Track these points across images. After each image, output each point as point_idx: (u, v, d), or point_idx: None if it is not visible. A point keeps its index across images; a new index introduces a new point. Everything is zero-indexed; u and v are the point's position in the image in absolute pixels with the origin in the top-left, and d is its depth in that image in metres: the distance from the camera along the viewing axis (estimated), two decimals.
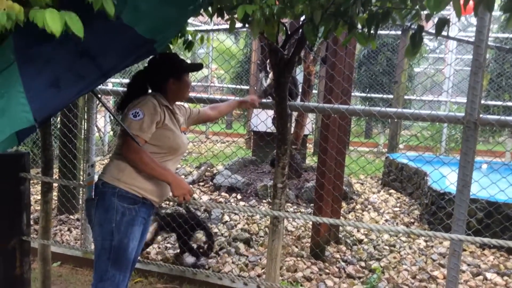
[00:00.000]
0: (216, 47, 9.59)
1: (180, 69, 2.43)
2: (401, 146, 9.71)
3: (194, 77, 11.62)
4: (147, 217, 2.38)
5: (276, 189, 2.62)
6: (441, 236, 2.28)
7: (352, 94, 11.27)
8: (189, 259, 3.85)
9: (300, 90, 5.57)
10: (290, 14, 1.99)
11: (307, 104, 3.16)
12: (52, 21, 1.45)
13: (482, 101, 9.87)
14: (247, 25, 2.15)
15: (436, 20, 1.87)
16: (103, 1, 1.54)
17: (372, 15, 1.90)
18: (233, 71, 12.47)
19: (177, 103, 2.62)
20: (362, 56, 11.26)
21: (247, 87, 11.59)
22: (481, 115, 2.71)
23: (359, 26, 2.05)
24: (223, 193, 5.89)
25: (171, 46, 2.92)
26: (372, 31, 1.96)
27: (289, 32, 2.50)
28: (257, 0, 2.02)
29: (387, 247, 4.45)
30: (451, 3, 1.67)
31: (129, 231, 2.25)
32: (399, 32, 9.08)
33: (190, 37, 2.93)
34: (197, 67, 2.56)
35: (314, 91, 8.89)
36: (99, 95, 4.01)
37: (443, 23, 1.77)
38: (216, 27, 6.26)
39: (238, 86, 12.44)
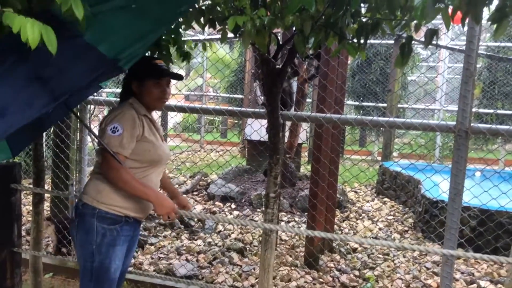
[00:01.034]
0: (209, 57, 9.62)
1: (142, 72, 2.24)
2: (395, 154, 9.74)
3: (187, 87, 11.64)
4: (132, 233, 2.31)
5: (269, 199, 2.62)
6: (432, 251, 2.28)
7: (346, 102, 11.36)
8: (182, 269, 3.82)
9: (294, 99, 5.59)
10: (281, 25, 2.00)
11: (300, 114, 3.17)
12: (32, 30, 1.37)
13: (475, 109, 9.97)
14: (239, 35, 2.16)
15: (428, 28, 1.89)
16: (72, 2, 1.43)
17: (362, 26, 1.92)
18: (228, 81, 12.49)
19: None
20: (356, 65, 11.32)
21: (241, 96, 11.62)
22: (472, 124, 2.73)
23: (350, 36, 2.07)
24: (217, 203, 5.88)
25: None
26: (362, 42, 1.97)
27: (280, 42, 2.52)
28: (248, 11, 2.03)
29: (381, 256, 4.44)
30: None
31: (110, 251, 2.20)
32: (392, 42, 9.15)
33: (186, 48, 2.88)
34: (164, 74, 2.27)
35: (309, 100, 8.92)
36: (92, 106, 4.01)
37: (432, 33, 1.78)
38: (209, 37, 6.28)
39: (232, 96, 12.46)
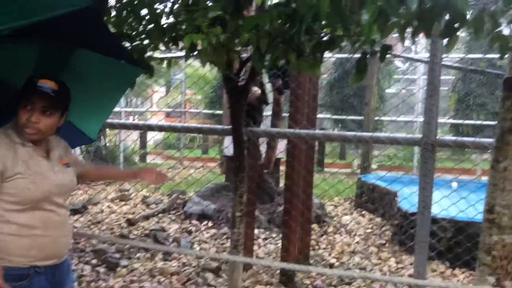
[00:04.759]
0: (187, 73, 9.60)
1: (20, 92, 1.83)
2: (374, 166, 9.75)
3: (167, 104, 11.56)
4: (52, 280, 1.90)
5: (235, 218, 2.58)
6: (404, 281, 2.25)
7: (323, 116, 11.38)
8: None
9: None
10: (237, 43, 1.99)
11: (269, 130, 3.17)
12: None
13: (450, 121, 10.10)
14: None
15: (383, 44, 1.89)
16: None
17: (318, 42, 1.91)
18: (206, 96, 12.47)
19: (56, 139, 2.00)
20: (333, 79, 11.41)
21: (221, 112, 11.58)
22: (438, 137, 2.74)
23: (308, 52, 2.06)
24: (193, 221, 5.79)
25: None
26: (318, 58, 1.96)
27: (242, 60, 2.50)
28: (205, 29, 2.01)
29: (358, 270, 4.40)
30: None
31: None
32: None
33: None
34: (36, 91, 1.78)
35: (285, 114, 8.91)
36: None
37: (386, 49, 1.78)
38: (177, 54, 6.24)
39: (211, 111, 12.42)
